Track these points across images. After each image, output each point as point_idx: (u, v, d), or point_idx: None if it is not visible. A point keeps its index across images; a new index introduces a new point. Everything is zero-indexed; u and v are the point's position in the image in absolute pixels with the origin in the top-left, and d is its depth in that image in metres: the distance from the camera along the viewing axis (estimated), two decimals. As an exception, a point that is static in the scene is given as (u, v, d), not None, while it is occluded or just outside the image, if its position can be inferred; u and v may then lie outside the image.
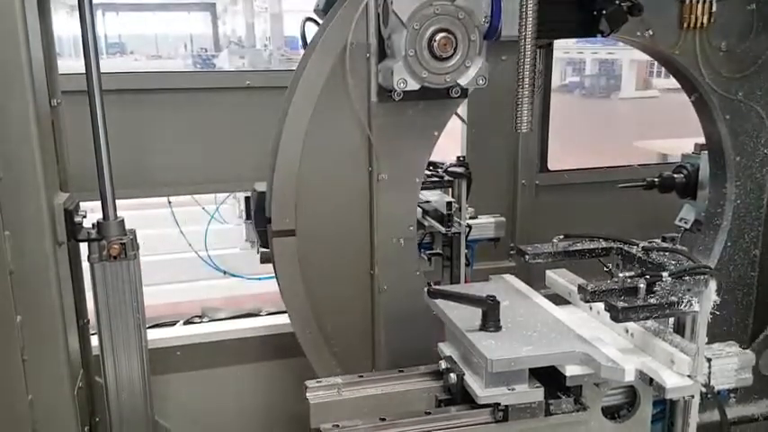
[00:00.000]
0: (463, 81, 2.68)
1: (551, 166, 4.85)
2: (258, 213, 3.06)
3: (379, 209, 2.95)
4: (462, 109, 4.62)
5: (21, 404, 2.36)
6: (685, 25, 3.01)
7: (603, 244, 2.63)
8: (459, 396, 2.35)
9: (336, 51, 2.77)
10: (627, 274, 2.25)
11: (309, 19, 3.19)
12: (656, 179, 3.74)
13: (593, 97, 26.21)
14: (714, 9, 3.01)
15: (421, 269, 3.14)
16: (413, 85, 2.64)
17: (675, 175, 3.68)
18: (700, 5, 2.99)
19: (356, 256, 3.00)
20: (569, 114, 18.45)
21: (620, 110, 24.57)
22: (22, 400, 2.36)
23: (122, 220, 2.60)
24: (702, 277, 2.21)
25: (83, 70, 2.48)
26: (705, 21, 3.01)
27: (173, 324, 4.32)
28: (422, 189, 3.66)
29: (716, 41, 3.07)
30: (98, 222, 2.57)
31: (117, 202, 2.61)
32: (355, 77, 2.79)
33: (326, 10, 2.90)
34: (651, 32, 2.98)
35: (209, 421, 3.82)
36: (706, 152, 3.39)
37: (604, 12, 2.70)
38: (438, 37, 2.59)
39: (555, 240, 2.63)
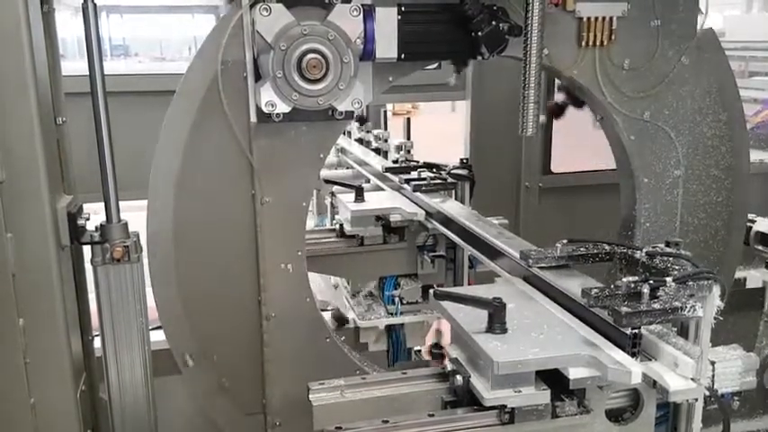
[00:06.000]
0: (338, 104, 2.59)
1: (562, 168, 4.85)
2: None
3: (265, 233, 2.82)
4: (465, 111, 4.64)
5: (23, 407, 2.35)
6: (584, 44, 2.87)
7: (607, 248, 2.62)
8: (465, 398, 2.34)
9: (213, 69, 2.62)
10: (630, 278, 2.24)
11: None
12: None
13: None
14: (615, 26, 2.87)
15: (312, 296, 2.97)
16: (283, 108, 2.55)
17: None
18: (599, 23, 2.85)
19: (243, 283, 2.86)
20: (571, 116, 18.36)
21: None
22: (24, 403, 2.35)
23: (126, 223, 2.59)
24: (706, 282, 2.20)
25: (86, 72, 2.47)
26: (605, 39, 2.87)
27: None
28: (424, 192, 3.65)
29: (618, 60, 2.94)
30: (101, 225, 2.57)
31: (120, 203, 2.61)
32: (232, 97, 2.65)
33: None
34: (546, 52, 2.78)
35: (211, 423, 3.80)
36: None
37: (480, 33, 2.58)
38: (307, 58, 2.49)
39: (558, 245, 2.62)
